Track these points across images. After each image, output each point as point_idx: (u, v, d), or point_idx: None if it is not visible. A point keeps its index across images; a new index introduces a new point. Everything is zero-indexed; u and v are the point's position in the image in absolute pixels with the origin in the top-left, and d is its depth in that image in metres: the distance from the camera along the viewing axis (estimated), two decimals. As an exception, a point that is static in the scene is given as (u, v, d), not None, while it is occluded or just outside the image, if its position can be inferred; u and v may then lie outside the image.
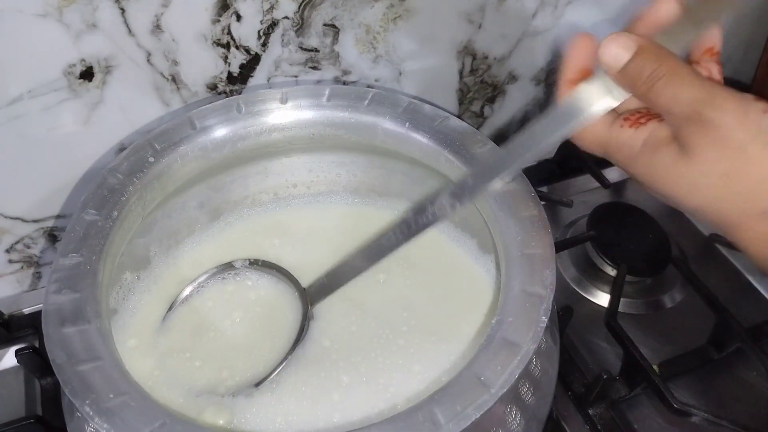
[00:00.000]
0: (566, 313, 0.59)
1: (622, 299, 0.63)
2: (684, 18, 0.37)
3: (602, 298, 0.66)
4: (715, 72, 0.39)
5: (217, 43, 0.56)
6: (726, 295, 0.63)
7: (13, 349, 0.58)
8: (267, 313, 0.54)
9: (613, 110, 0.38)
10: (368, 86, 0.65)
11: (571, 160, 0.78)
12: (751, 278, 0.68)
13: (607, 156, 0.40)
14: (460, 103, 0.72)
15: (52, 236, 0.63)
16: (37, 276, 0.65)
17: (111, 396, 0.35)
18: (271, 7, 0.55)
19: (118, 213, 0.46)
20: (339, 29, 0.59)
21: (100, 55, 0.53)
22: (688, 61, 0.40)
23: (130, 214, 0.47)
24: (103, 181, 0.47)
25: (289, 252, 0.59)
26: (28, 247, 0.63)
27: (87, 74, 0.53)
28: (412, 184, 0.60)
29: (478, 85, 0.71)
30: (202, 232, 0.59)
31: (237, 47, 0.57)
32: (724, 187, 0.34)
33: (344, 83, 0.64)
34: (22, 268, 0.64)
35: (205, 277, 0.55)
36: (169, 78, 0.57)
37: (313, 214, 0.63)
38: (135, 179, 0.48)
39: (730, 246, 0.71)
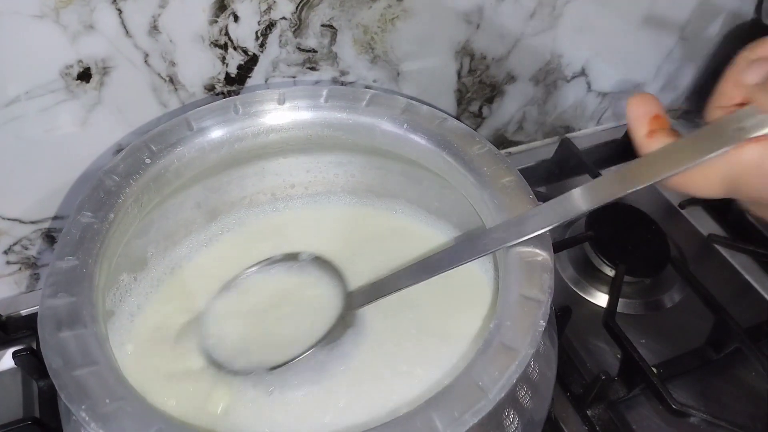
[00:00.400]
0: (564, 313, 0.59)
1: (620, 300, 0.63)
2: None
3: (601, 299, 0.66)
4: None
5: (215, 44, 0.56)
6: (725, 296, 0.63)
7: (10, 350, 0.58)
8: (301, 305, 0.54)
9: None
10: (366, 87, 0.65)
11: (570, 160, 0.78)
12: (749, 278, 0.68)
13: (733, 191, 0.38)
14: (459, 103, 0.72)
15: (50, 237, 0.62)
16: (35, 277, 0.65)
17: (107, 401, 0.35)
18: (269, 8, 0.55)
19: (114, 215, 0.45)
20: (337, 30, 0.59)
21: (98, 57, 0.53)
22: None
23: (127, 216, 0.47)
24: (99, 183, 0.46)
25: (287, 253, 0.58)
26: (26, 249, 0.62)
27: (84, 75, 0.53)
28: (410, 184, 0.60)
29: (477, 86, 0.71)
30: (200, 233, 0.59)
31: (235, 48, 0.57)
32: None
33: (342, 84, 0.64)
34: (20, 269, 0.64)
35: (263, 264, 0.56)
36: (167, 79, 0.57)
37: (310, 214, 0.62)
38: (131, 181, 0.47)
39: (729, 246, 0.71)
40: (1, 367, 0.60)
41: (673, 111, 0.88)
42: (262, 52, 0.58)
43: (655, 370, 0.57)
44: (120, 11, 0.51)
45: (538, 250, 0.43)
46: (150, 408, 0.36)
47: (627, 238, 0.68)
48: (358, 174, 0.61)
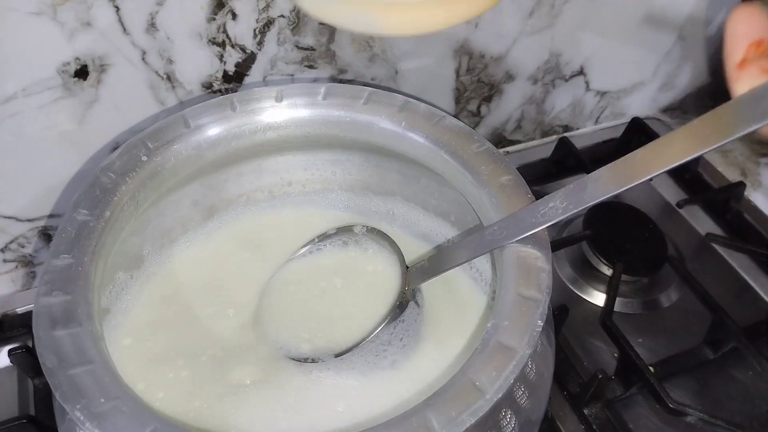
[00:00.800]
0: (562, 312, 0.59)
1: (617, 299, 0.63)
2: None
3: (598, 298, 0.66)
4: None
5: (213, 42, 0.56)
6: (722, 295, 0.63)
7: (6, 348, 0.58)
8: (360, 284, 0.54)
9: None
10: (364, 85, 0.65)
11: (567, 159, 0.78)
12: (747, 278, 0.68)
13: None
14: (457, 102, 0.72)
15: (46, 235, 0.62)
16: (31, 275, 0.65)
17: (102, 401, 0.35)
18: (267, 6, 0.55)
19: (110, 213, 0.45)
20: (335, 28, 0.59)
21: (95, 54, 0.52)
22: None
23: (123, 214, 0.47)
24: (95, 181, 0.46)
25: (283, 251, 0.58)
26: (22, 247, 0.62)
27: (82, 73, 0.53)
28: (407, 182, 0.59)
29: (475, 84, 0.71)
30: (197, 231, 0.59)
31: (232, 46, 0.57)
32: None
33: (340, 82, 0.64)
34: (16, 267, 0.64)
35: (315, 242, 0.57)
36: (164, 77, 0.56)
37: (308, 212, 0.62)
38: (127, 178, 0.47)
39: (726, 245, 0.71)
40: (-4, 365, 0.60)
41: (671, 111, 0.88)
42: (260, 49, 0.58)
43: (652, 369, 0.57)
44: (117, 8, 0.51)
45: (535, 250, 0.43)
46: (145, 407, 0.35)
47: (624, 237, 0.68)
48: (356, 172, 0.61)
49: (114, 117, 0.57)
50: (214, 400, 0.48)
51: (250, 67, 0.59)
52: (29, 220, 0.61)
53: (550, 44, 0.71)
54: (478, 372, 0.36)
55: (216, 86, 0.59)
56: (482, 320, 0.52)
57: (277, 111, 0.53)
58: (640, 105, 0.85)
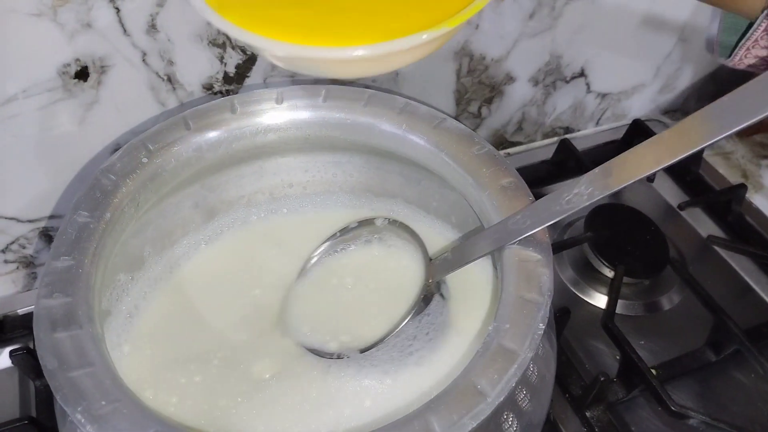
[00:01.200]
0: (563, 315, 0.59)
1: (619, 301, 0.63)
2: None
3: (599, 300, 0.66)
4: None
5: (213, 43, 0.56)
6: (724, 297, 0.62)
7: (7, 350, 0.58)
8: (383, 279, 0.54)
9: None
10: (365, 87, 0.65)
11: (569, 161, 0.77)
12: (749, 280, 0.68)
13: None
14: (458, 104, 0.72)
15: (47, 236, 0.62)
16: (32, 276, 0.65)
17: (103, 403, 0.35)
18: (268, 7, 0.55)
19: (111, 215, 0.45)
20: (336, 29, 0.59)
21: (95, 55, 0.52)
22: None
23: (123, 216, 0.47)
24: (95, 183, 0.46)
25: (285, 252, 0.58)
26: (23, 248, 0.62)
27: (82, 74, 0.53)
28: (408, 185, 0.59)
29: (476, 86, 0.71)
30: (197, 233, 0.59)
31: (233, 47, 0.57)
32: None
33: (341, 84, 0.63)
34: (17, 268, 0.64)
35: (337, 237, 0.57)
36: (165, 78, 0.56)
37: (308, 214, 0.62)
38: (128, 180, 0.47)
39: (728, 247, 0.71)
40: (-3, 366, 0.60)
41: (671, 112, 0.88)
42: (260, 51, 0.58)
43: (654, 371, 0.57)
44: (118, 10, 0.51)
45: (536, 252, 0.43)
46: (146, 410, 0.35)
47: (626, 239, 0.68)
48: (357, 174, 0.61)
49: (114, 118, 0.57)
50: (227, 400, 0.48)
51: (251, 68, 0.59)
52: (30, 221, 0.61)
53: (550, 46, 0.71)
54: (479, 375, 0.36)
55: (216, 88, 0.59)
56: (484, 323, 0.52)
57: (277, 113, 0.53)
58: (641, 107, 0.85)
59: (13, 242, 0.61)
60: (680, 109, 0.88)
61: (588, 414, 0.56)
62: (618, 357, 0.60)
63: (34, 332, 0.38)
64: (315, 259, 0.57)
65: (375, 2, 0.39)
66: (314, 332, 0.52)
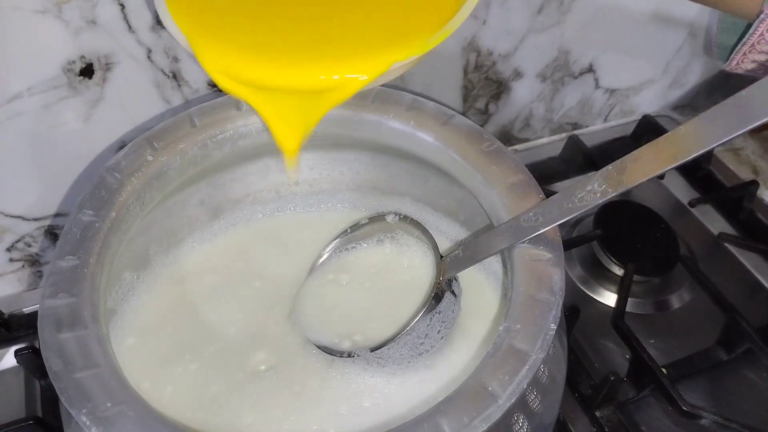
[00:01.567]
0: (573, 313, 0.58)
1: (629, 299, 0.62)
2: None
3: (609, 298, 0.65)
4: None
5: (219, 40, 0.55)
6: (735, 295, 0.62)
7: (12, 349, 0.58)
8: (395, 277, 0.54)
9: None
10: (372, 83, 0.64)
11: (577, 157, 0.77)
12: (760, 278, 0.68)
13: None
14: (465, 100, 0.71)
15: (53, 235, 0.62)
16: (38, 275, 0.65)
17: (108, 405, 0.34)
18: (273, 3, 0.55)
19: (116, 213, 0.45)
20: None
21: (100, 52, 0.52)
22: None
23: (129, 214, 0.46)
24: (100, 181, 0.46)
25: (291, 250, 0.58)
26: (29, 246, 0.62)
27: (87, 71, 0.53)
28: (416, 182, 0.59)
29: (483, 82, 0.70)
30: (203, 231, 0.59)
31: (238, 44, 0.56)
32: None
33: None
34: (22, 266, 0.63)
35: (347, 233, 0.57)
36: (170, 75, 0.56)
37: (315, 212, 0.62)
38: (133, 178, 0.47)
39: (739, 245, 0.70)
40: (3, 365, 0.60)
41: (681, 108, 0.87)
42: (266, 47, 0.57)
43: (664, 370, 0.56)
44: (122, 6, 0.50)
45: (547, 251, 0.42)
46: (152, 412, 0.35)
47: (636, 237, 0.67)
48: (364, 171, 0.61)
49: (119, 116, 0.57)
50: (226, 392, 0.48)
51: (257, 65, 0.58)
52: (35, 220, 0.60)
53: (558, 41, 0.70)
54: (490, 376, 0.36)
55: (222, 85, 0.59)
56: (494, 322, 0.51)
57: (284, 110, 0.53)
58: (650, 102, 0.84)
59: (18, 240, 0.61)
60: (690, 104, 0.87)
61: (598, 414, 0.56)
62: (628, 356, 0.59)
63: (39, 333, 0.38)
64: (325, 256, 0.56)
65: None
66: (326, 330, 0.51)
